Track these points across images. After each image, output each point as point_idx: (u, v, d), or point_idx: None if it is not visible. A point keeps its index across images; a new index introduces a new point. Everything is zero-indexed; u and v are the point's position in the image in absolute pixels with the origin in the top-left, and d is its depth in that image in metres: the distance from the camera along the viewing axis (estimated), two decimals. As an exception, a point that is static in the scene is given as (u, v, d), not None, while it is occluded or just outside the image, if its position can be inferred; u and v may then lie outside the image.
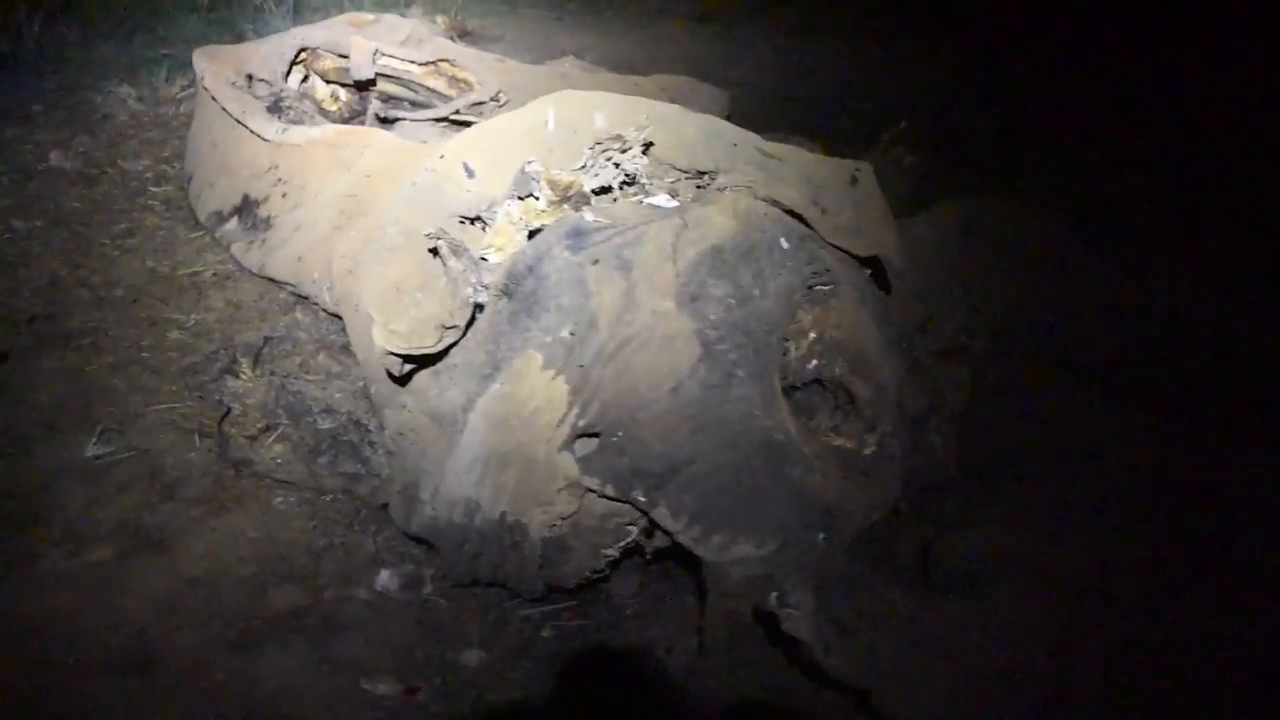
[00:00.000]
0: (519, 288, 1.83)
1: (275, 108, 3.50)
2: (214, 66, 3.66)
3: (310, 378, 2.70)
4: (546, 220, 1.98)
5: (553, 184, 1.90)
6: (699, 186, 2.08)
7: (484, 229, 2.03)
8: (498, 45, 6.08)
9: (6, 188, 3.70)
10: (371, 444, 2.43)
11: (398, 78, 3.78)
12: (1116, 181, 4.31)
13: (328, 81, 3.88)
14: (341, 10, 6.26)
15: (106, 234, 3.47)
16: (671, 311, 1.76)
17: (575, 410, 1.75)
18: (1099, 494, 2.23)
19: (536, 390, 1.76)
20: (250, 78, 3.67)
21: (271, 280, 3.15)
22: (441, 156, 2.13)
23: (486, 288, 1.89)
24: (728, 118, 4.27)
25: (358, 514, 2.28)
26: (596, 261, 1.78)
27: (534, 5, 6.93)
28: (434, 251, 1.92)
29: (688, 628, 2.01)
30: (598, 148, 1.94)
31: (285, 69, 3.70)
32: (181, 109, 4.62)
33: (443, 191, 2.05)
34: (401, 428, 2.10)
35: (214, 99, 3.56)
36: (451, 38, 5.36)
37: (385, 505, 2.24)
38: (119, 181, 3.88)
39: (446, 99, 3.80)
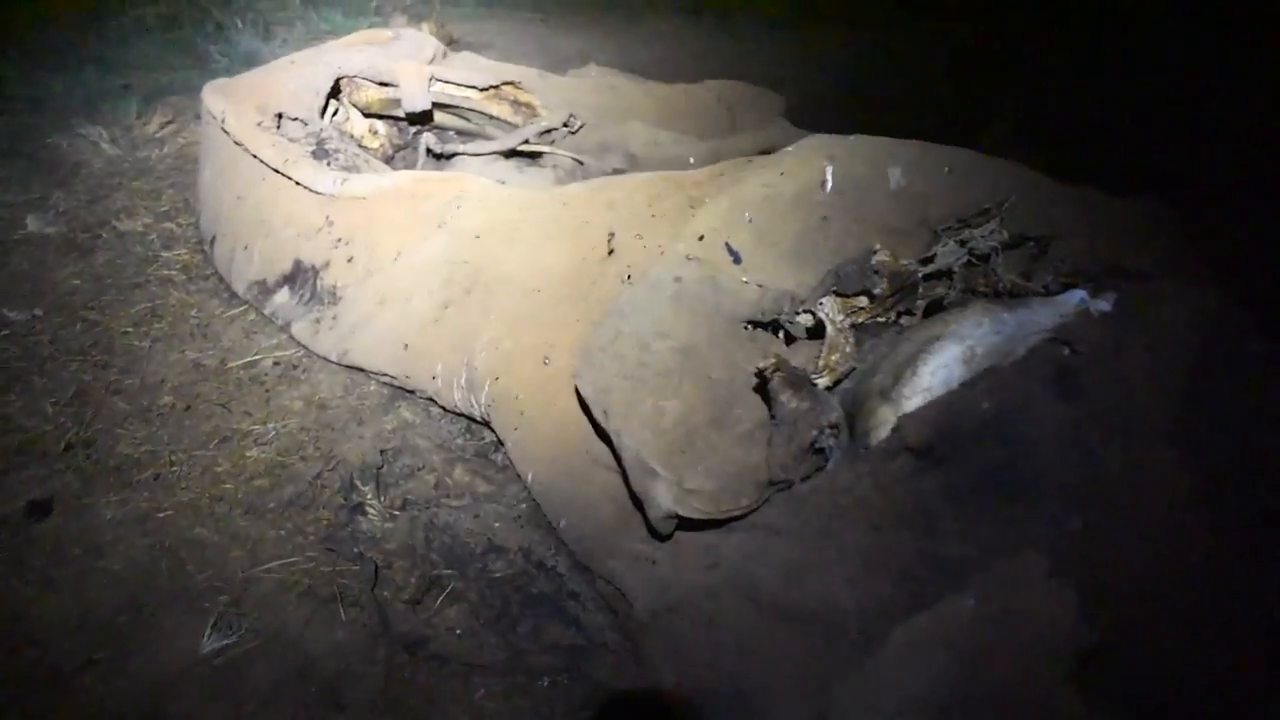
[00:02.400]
0: (964, 453, 1.27)
1: (320, 153, 2.83)
2: (234, 106, 2.95)
3: (454, 503, 2.08)
4: (862, 319, 1.43)
5: (894, 275, 1.34)
6: (1034, 257, 1.54)
7: (778, 334, 1.46)
8: (490, 52, 5.41)
9: (-15, 268, 2.94)
10: (574, 595, 1.84)
11: (455, 106, 3.13)
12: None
13: (366, 115, 3.20)
14: (308, 25, 5.50)
15: (126, 318, 2.75)
16: (1171, 462, 1.24)
17: (1085, 626, 1.21)
18: None
19: (1035, 607, 1.22)
20: (280, 117, 2.98)
21: (356, 369, 2.49)
22: (701, 238, 1.54)
23: (834, 429, 1.32)
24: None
25: (599, 704, 1.68)
26: (1096, 411, 1.25)
27: (512, 8, 6.24)
28: (761, 387, 1.35)
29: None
30: (956, 226, 1.39)
31: (321, 104, 3.02)
32: (165, 149, 3.86)
33: (720, 289, 1.47)
34: (672, 600, 1.52)
35: (240, 145, 2.86)
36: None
37: (630, 690, 1.66)
38: (119, 247, 3.13)
39: (510, 127, 3.17)
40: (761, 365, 1.33)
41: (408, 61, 3.14)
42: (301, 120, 2.96)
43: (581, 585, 1.84)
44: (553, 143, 3.13)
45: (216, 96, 3.03)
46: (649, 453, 1.37)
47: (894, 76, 5.04)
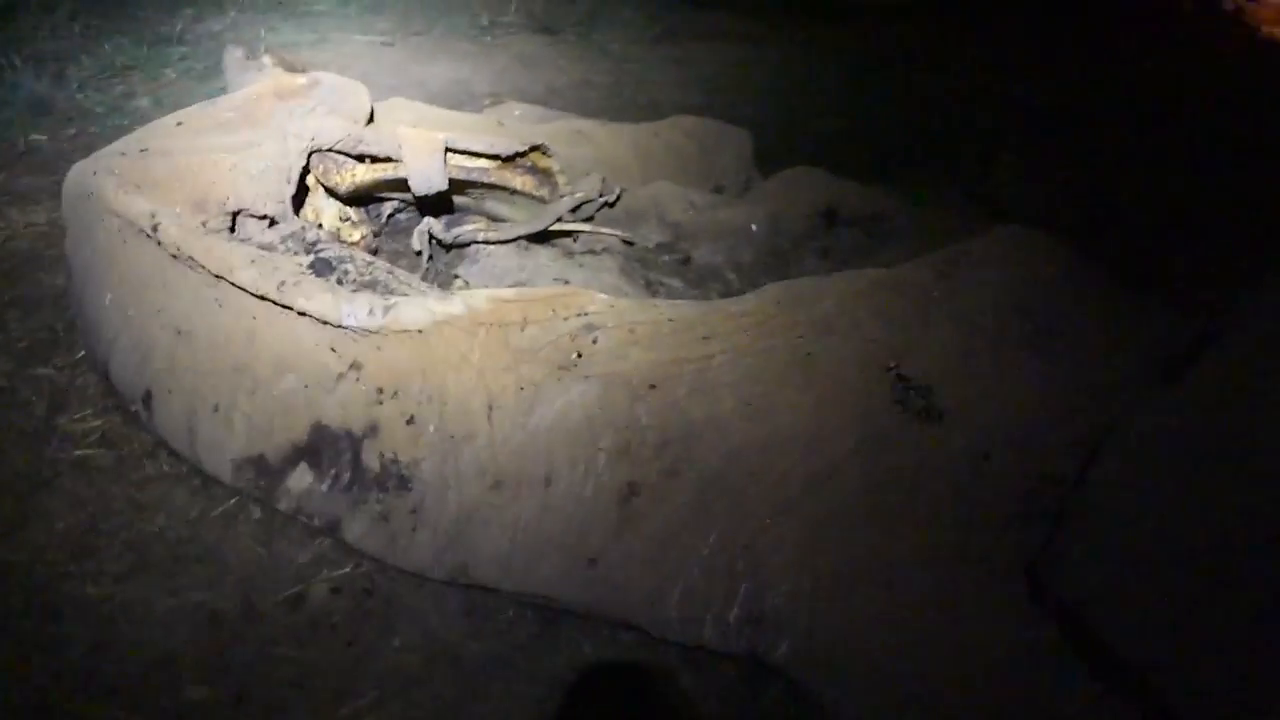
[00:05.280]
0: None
1: (322, 267, 1.94)
2: (161, 202, 1.99)
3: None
4: None
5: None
6: None
7: None
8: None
9: None
10: None
11: (467, 182, 2.30)
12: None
13: (344, 199, 2.30)
14: (98, 59, 4.23)
15: (58, 550, 1.73)
16: None
17: None
18: None
19: None
20: (235, 215, 2.04)
21: (481, 587, 1.68)
22: None
23: None
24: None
25: None
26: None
27: (345, 29, 5.20)
28: None
29: None
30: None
31: (293, 192, 2.10)
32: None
33: None
34: None
35: (183, 260, 1.92)
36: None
37: None
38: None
39: (535, 202, 2.39)
40: None
41: (422, 131, 2.26)
42: (270, 218, 2.05)
43: None
44: (590, 218, 2.41)
45: (118, 186, 2.04)
46: None
47: (814, 96, 4.63)
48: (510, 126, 2.81)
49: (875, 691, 1.32)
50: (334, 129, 2.15)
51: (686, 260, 2.44)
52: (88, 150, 3.41)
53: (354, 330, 1.81)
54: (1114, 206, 3.03)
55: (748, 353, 1.65)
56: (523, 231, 2.30)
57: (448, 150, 2.18)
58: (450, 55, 4.99)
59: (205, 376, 1.94)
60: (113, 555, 1.72)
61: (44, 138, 3.46)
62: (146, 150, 2.27)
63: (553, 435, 1.67)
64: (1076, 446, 1.33)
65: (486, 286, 2.21)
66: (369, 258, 2.00)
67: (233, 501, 1.86)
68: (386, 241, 2.45)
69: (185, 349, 1.97)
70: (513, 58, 5.02)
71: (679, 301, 1.87)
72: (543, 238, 2.36)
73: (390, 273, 1.97)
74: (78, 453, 1.96)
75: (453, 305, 1.79)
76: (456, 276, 2.27)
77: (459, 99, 4.19)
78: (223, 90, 4.13)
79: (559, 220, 2.32)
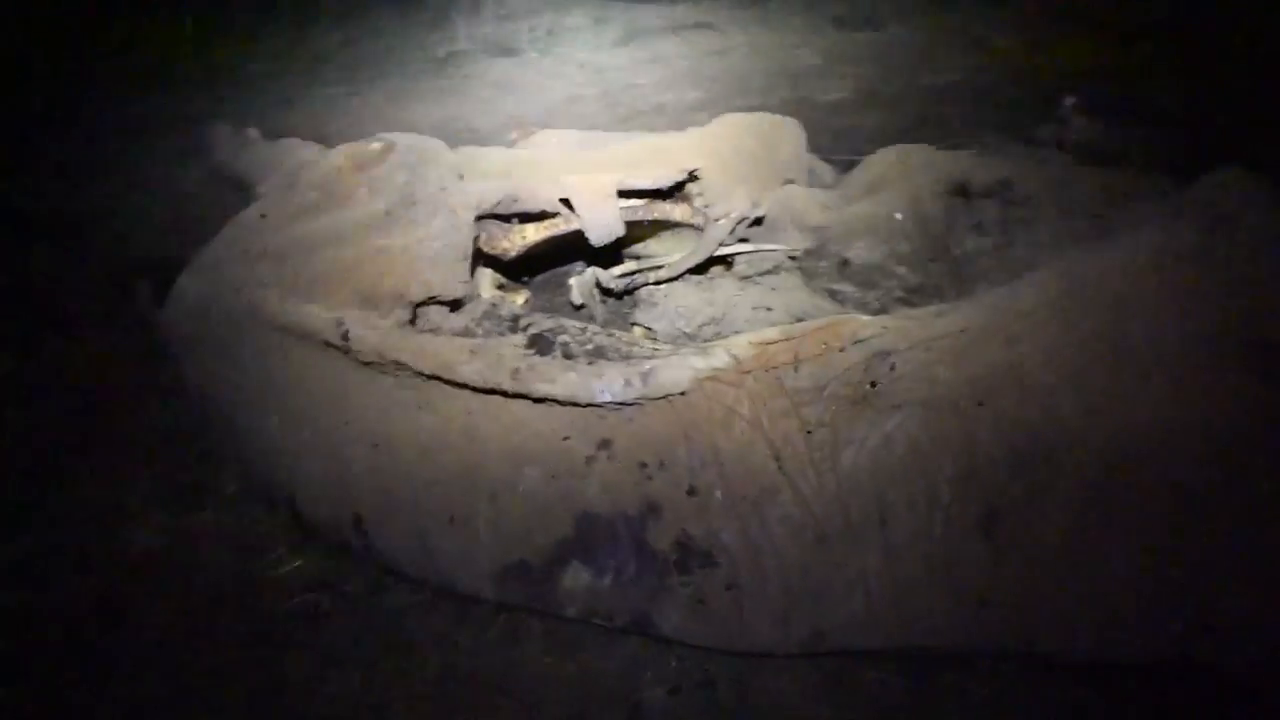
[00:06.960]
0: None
1: (542, 344, 1.75)
2: (336, 305, 1.77)
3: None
4: None
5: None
6: None
7: None
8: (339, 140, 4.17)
9: None
10: None
11: (638, 222, 2.12)
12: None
13: (495, 264, 2.09)
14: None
15: None
16: None
17: None
18: None
19: None
20: (416, 306, 1.83)
21: (844, 651, 1.53)
22: None
23: None
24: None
25: None
26: None
27: (298, 88, 4.88)
28: None
29: None
30: None
31: (471, 266, 1.89)
32: None
33: None
34: None
35: (397, 367, 1.72)
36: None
37: None
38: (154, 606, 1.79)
39: (692, 231, 2.23)
40: None
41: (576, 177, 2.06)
42: (457, 301, 1.85)
43: None
44: (745, 239, 2.27)
45: (282, 299, 1.82)
46: None
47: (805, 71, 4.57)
48: (578, 157, 2.63)
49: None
50: (492, 191, 1.95)
51: (845, 263, 2.32)
52: (105, 264, 3.11)
53: (609, 406, 1.63)
54: (1187, 138, 3.05)
55: (1060, 349, 1.54)
56: (690, 264, 2.15)
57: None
58: (424, 93, 4.75)
59: (427, 488, 1.73)
60: (413, 712, 1.51)
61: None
62: (249, 252, 2.04)
63: (877, 475, 1.53)
64: None
65: (675, 329, 2.05)
66: (577, 323, 1.82)
67: (503, 618, 1.66)
68: (591, 302, 2.25)
69: (390, 462, 1.77)
70: (491, 86, 4.81)
71: (942, 306, 1.74)
72: (700, 267, 2.21)
73: (610, 335, 1.80)
74: (296, 600, 1.73)
75: (715, 358, 1.63)
76: (635, 325, 2.10)
77: (461, 138, 3.96)
78: (211, 171, 3.84)
79: (720, 244, 2.17)
